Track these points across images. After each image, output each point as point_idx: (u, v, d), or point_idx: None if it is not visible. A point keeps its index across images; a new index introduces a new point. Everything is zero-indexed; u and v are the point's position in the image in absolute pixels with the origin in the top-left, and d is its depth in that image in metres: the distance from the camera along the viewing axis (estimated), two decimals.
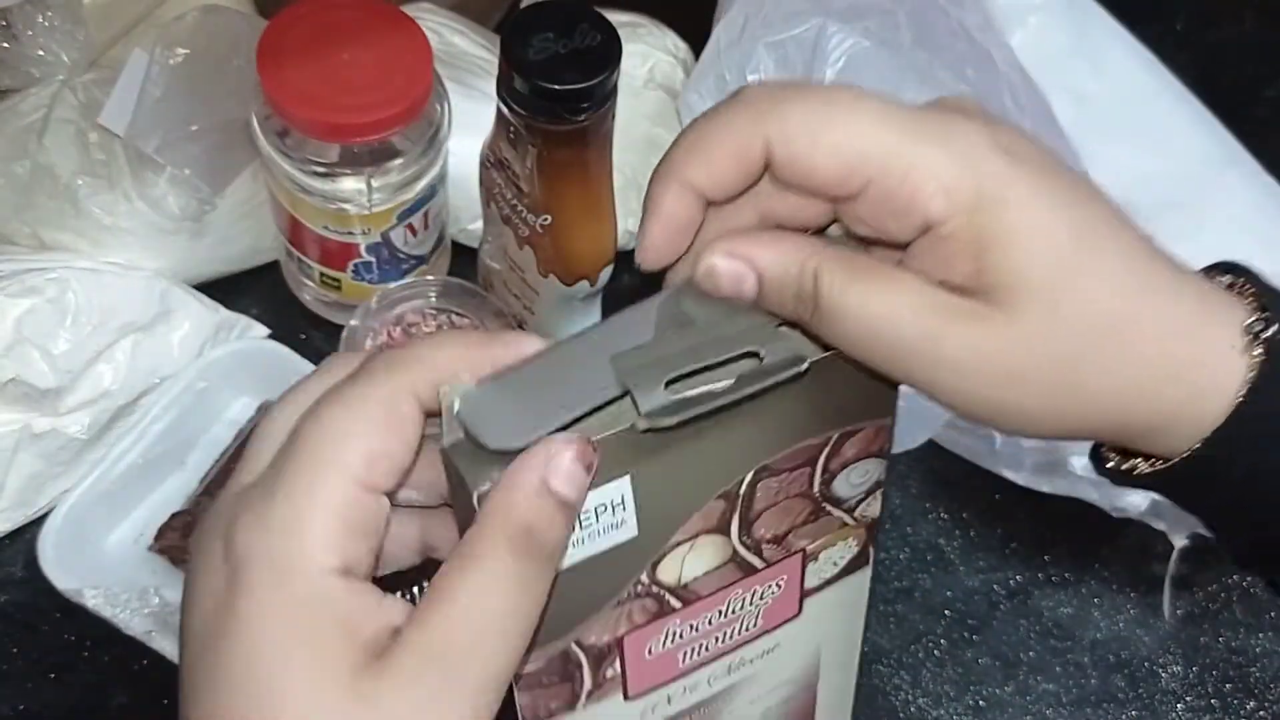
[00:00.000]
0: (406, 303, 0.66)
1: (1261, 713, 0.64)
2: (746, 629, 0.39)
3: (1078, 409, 0.31)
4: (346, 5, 0.58)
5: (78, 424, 0.60)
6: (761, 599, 0.39)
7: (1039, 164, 0.30)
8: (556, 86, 0.51)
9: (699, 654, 0.38)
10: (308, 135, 0.57)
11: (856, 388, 0.34)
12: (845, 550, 0.40)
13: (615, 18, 0.53)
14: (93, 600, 0.57)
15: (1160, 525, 0.63)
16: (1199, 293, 0.31)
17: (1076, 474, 0.61)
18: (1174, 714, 0.63)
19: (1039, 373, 0.30)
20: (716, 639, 0.38)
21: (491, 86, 0.54)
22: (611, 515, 0.32)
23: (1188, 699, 0.64)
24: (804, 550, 0.38)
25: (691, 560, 0.35)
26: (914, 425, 0.64)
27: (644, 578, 0.35)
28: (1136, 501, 0.62)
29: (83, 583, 0.57)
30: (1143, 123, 0.56)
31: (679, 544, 0.34)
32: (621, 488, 0.32)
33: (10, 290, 0.59)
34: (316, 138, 0.57)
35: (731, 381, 0.31)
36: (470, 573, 0.29)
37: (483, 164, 0.60)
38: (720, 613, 0.38)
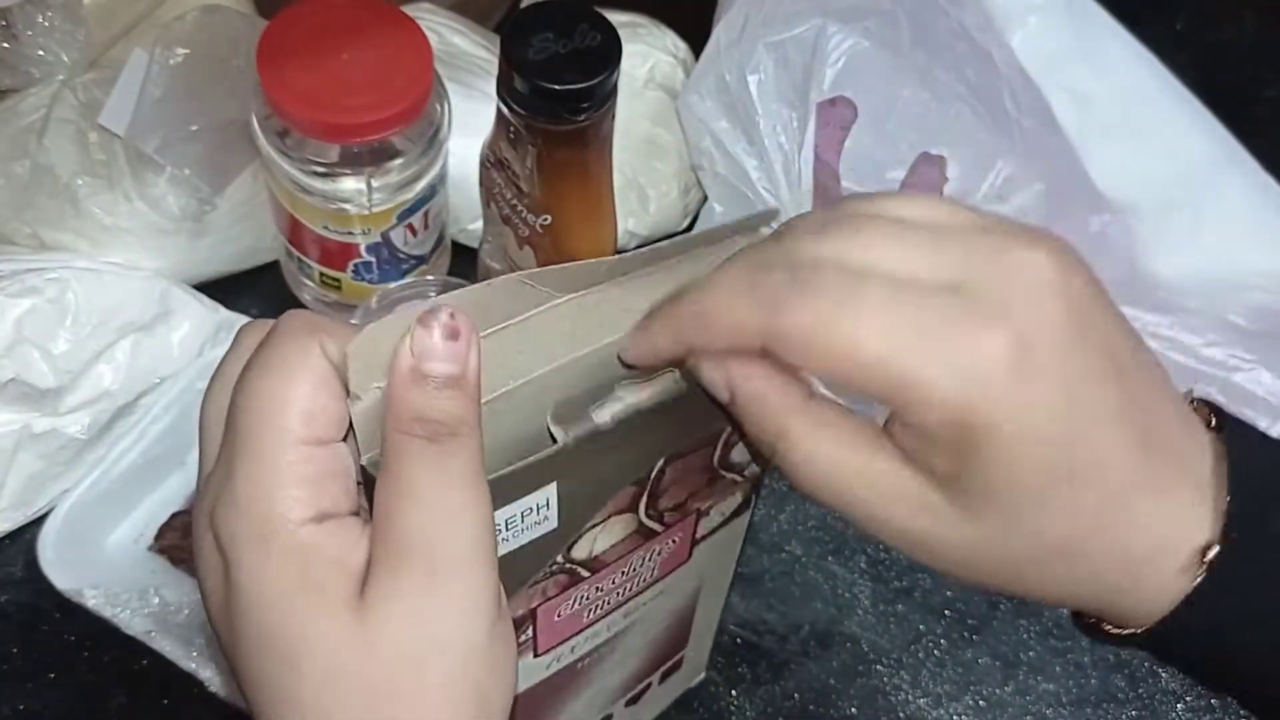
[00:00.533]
0: (407, 303, 0.66)
1: None
2: (644, 580, 0.42)
3: (1031, 592, 0.33)
4: (346, 5, 0.58)
5: (78, 424, 0.60)
6: (659, 554, 0.41)
7: (1056, 374, 0.29)
8: (557, 86, 0.51)
9: (602, 608, 0.41)
10: (308, 135, 0.57)
11: None
12: (732, 502, 0.43)
13: (615, 18, 0.53)
14: (93, 600, 0.57)
15: None
16: (1166, 502, 0.32)
17: None
18: (1174, 714, 0.63)
19: (990, 566, 0.32)
20: (618, 594, 0.41)
21: (491, 87, 0.54)
22: (536, 515, 0.34)
23: (1187, 699, 0.64)
24: (698, 509, 0.41)
25: (602, 537, 0.37)
26: None
27: (559, 558, 0.37)
28: None
29: (83, 583, 0.57)
30: (1143, 123, 0.55)
31: (592, 526, 0.36)
32: (547, 493, 0.33)
33: (10, 290, 0.59)
34: (316, 138, 0.57)
35: (648, 399, 0.34)
36: (389, 481, 0.30)
37: (483, 164, 0.60)
38: (623, 573, 0.40)
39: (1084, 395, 0.30)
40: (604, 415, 0.33)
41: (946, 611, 0.65)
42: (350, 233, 0.61)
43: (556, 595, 0.38)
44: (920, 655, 0.64)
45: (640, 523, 0.38)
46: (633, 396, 0.34)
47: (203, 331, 0.63)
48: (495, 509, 0.31)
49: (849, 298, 0.29)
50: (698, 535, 0.43)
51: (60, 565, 0.58)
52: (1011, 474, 0.30)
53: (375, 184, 0.59)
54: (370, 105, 0.56)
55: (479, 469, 0.30)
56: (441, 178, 0.62)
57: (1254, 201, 0.56)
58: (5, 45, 0.64)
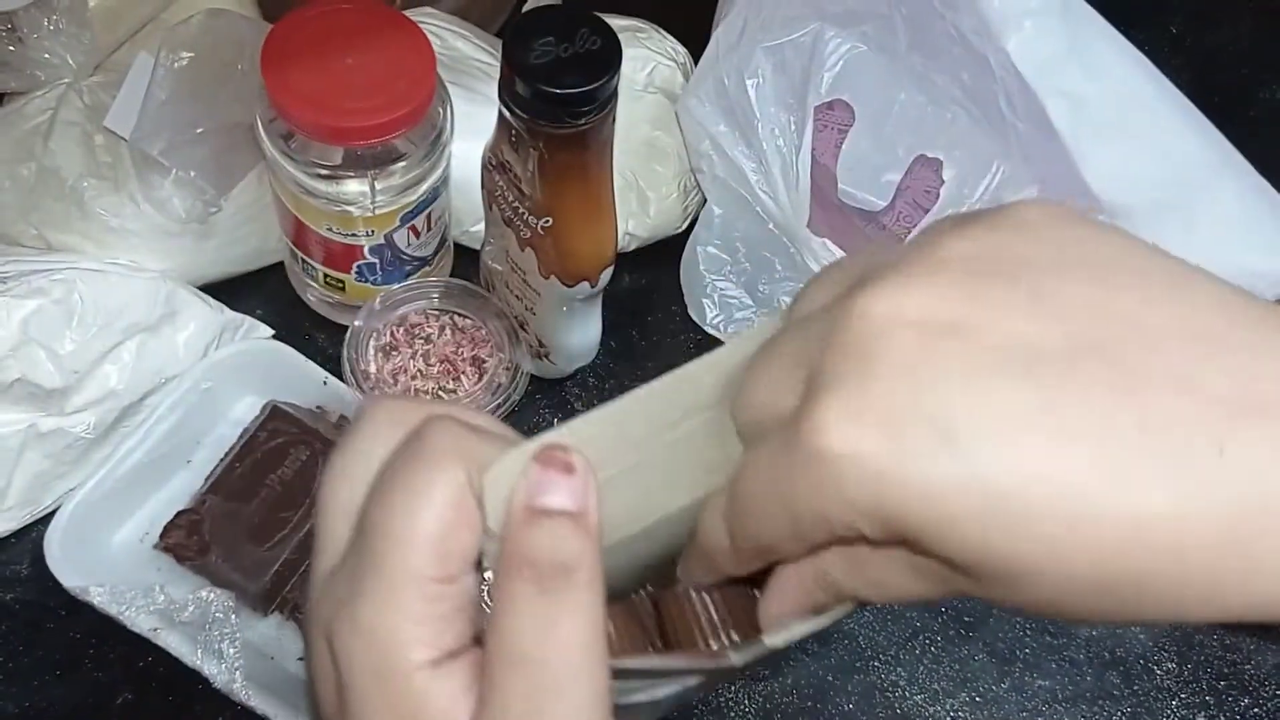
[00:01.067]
0: (410, 304, 0.66)
1: (1256, 710, 0.64)
2: None
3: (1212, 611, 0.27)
4: (350, 10, 0.58)
5: (83, 423, 0.60)
6: None
7: (927, 430, 0.25)
8: (558, 90, 0.51)
9: None
10: (312, 138, 0.57)
11: None
12: None
13: (615, 22, 0.54)
14: (98, 598, 0.57)
15: None
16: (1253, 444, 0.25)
17: None
18: (1168, 711, 0.64)
19: (1049, 612, 0.26)
20: None
21: (493, 90, 0.54)
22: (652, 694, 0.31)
23: (1182, 695, 0.64)
24: None
25: None
26: None
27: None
28: None
29: (88, 580, 0.58)
30: (1138, 126, 0.56)
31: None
32: (679, 684, 0.31)
33: (17, 291, 0.59)
34: (320, 141, 0.57)
35: (826, 621, 0.32)
36: (494, 637, 0.28)
37: (485, 167, 0.60)
38: None
39: (972, 418, 0.24)
40: (779, 640, 0.31)
41: (943, 609, 0.65)
42: (354, 235, 0.62)
43: None
44: (917, 652, 0.64)
45: None
46: (812, 623, 0.31)
47: (208, 332, 0.64)
48: (624, 687, 0.29)
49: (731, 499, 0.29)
50: None
51: (66, 563, 0.58)
52: (962, 545, 0.25)
53: (379, 186, 0.59)
54: (374, 109, 0.56)
55: (593, 627, 0.28)
56: (444, 180, 0.63)
57: (1248, 204, 0.57)
58: (11, 48, 0.64)
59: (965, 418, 0.24)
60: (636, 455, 0.30)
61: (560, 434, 0.29)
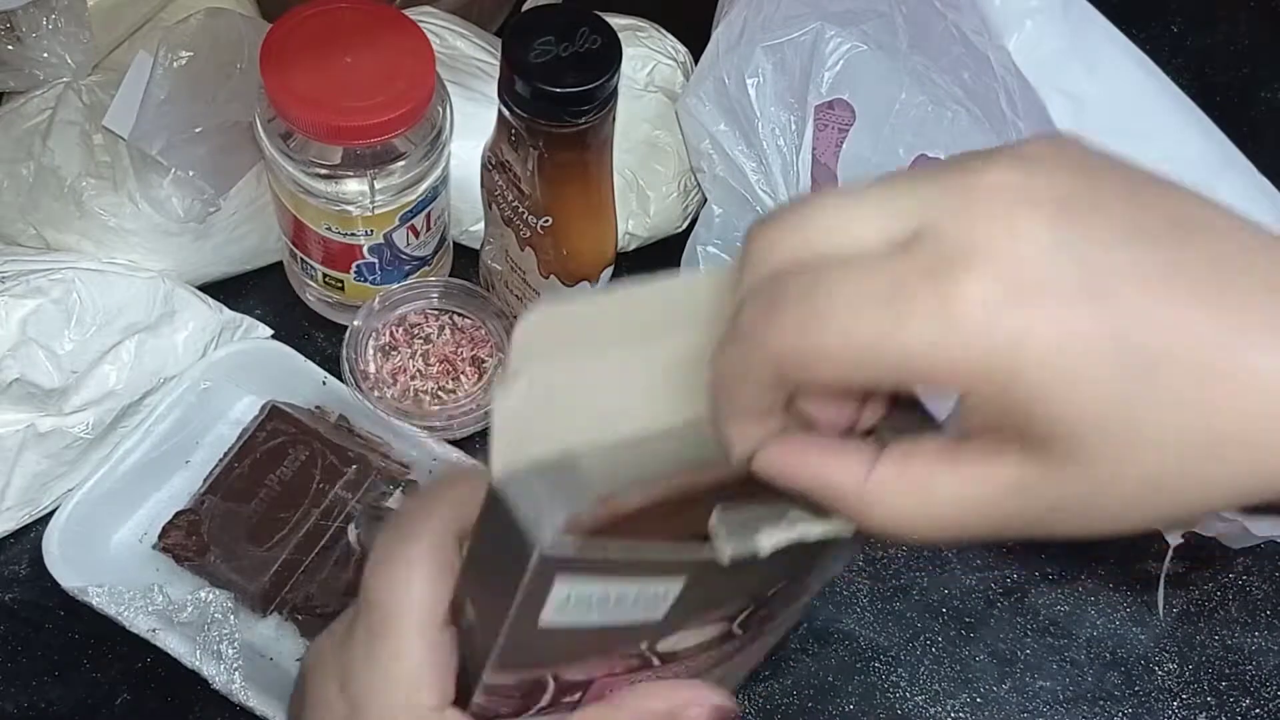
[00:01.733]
0: (409, 304, 0.66)
1: (1257, 710, 0.64)
2: (697, 670, 0.38)
3: (1196, 503, 0.27)
4: (349, 9, 0.58)
5: (82, 423, 0.60)
6: (726, 653, 0.38)
7: (1063, 282, 0.25)
8: (557, 89, 0.51)
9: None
10: (311, 137, 0.57)
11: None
12: (797, 607, 0.40)
13: (615, 21, 0.54)
14: (97, 598, 0.57)
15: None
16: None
17: None
18: (1169, 711, 0.64)
19: (1118, 494, 0.27)
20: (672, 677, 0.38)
21: (493, 89, 0.54)
22: (647, 602, 0.31)
23: (1183, 696, 0.64)
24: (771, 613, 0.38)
25: (690, 636, 0.35)
26: None
27: (644, 646, 0.34)
28: None
29: (87, 581, 0.58)
30: (1138, 126, 0.56)
31: (689, 628, 0.35)
32: (672, 587, 0.31)
33: (15, 291, 0.59)
34: (319, 140, 0.57)
35: (818, 534, 0.30)
36: None
37: (484, 166, 0.60)
38: (686, 666, 0.37)
39: (1108, 279, 0.25)
40: (768, 542, 0.30)
41: (944, 609, 0.65)
42: (353, 234, 0.62)
43: (620, 674, 0.36)
44: (917, 653, 0.64)
45: (730, 630, 0.36)
46: (804, 529, 0.30)
47: (207, 332, 0.64)
48: (617, 578, 0.30)
49: (807, 300, 0.26)
50: (763, 632, 0.39)
51: (65, 563, 0.58)
52: (1081, 406, 0.25)
53: (378, 186, 0.59)
54: (373, 108, 0.56)
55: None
56: (444, 180, 0.63)
57: (1249, 204, 0.56)
58: (10, 47, 0.64)
59: (1109, 274, 0.25)
60: (607, 358, 0.29)
61: (526, 321, 0.28)
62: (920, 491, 0.28)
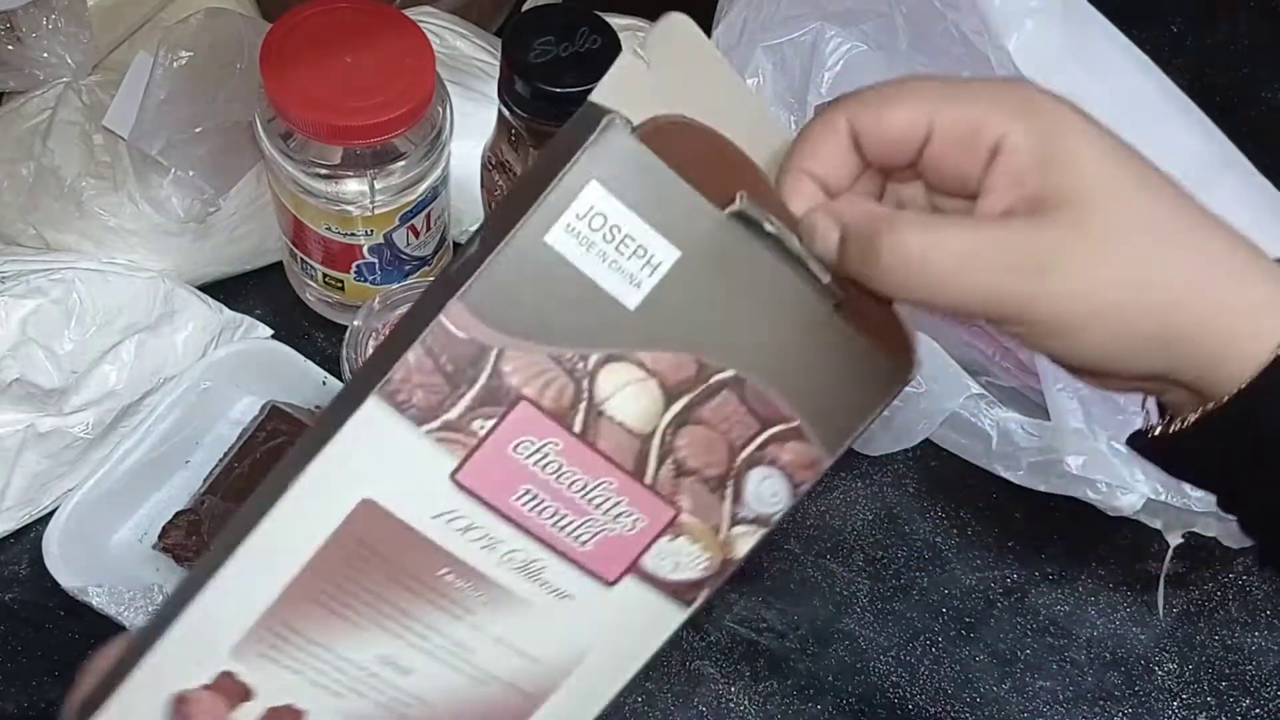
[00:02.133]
0: (409, 304, 0.66)
1: (1257, 710, 0.64)
2: (572, 538, 0.35)
3: (1148, 319, 0.32)
4: (349, 9, 0.58)
5: (82, 423, 0.60)
6: (614, 519, 0.35)
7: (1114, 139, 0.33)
8: (557, 89, 0.51)
9: (533, 507, 0.34)
10: (311, 137, 0.57)
11: (851, 389, 0.35)
12: (692, 561, 0.37)
13: (615, 21, 0.54)
14: (97, 598, 0.57)
15: (1155, 524, 0.64)
16: (1256, 279, 0.33)
17: (1072, 473, 0.61)
18: (1170, 711, 0.64)
19: (1107, 268, 0.32)
20: (551, 514, 0.35)
21: (493, 89, 0.54)
22: (638, 266, 0.32)
23: (1183, 696, 0.64)
24: (675, 513, 0.35)
25: (624, 400, 0.33)
26: (912, 424, 0.65)
27: (586, 362, 0.32)
28: (1132, 500, 0.62)
29: (87, 581, 0.58)
30: (1138, 126, 0.55)
31: (635, 367, 0.33)
32: (667, 253, 0.32)
33: (15, 291, 0.59)
34: (319, 140, 0.57)
35: (798, 249, 0.33)
36: None
37: (484, 166, 0.60)
38: (584, 488, 0.34)
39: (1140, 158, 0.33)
40: (771, 226, 0.32)
41: (944, 610, 0.65)
42: (353, 234, 0.62)
43: (539, 412, 0.33)
44: (918, 653, 0.64)
45: (650, 435, 0.34)
46: (802, 249, 0.33)
47: (207, 332, 0.64)
48: (636, 211, 0.31)
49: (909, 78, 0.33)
50: (641, 559, 0.36)
51: (65, 563, 0.58)
52: (1093, 166, 0.32)
53: (378, 186, 0.59)
54: (373, 108, 0.56)
55: None
56: (444, 180, 0.63)
57: (1249, 203, 0.57)
58: (10, 47, 0.64)
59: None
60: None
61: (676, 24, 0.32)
62: (935, 235, 0.32)
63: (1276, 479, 0.34)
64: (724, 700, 0.62)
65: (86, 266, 0.61)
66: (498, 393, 0.32)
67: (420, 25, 0.59)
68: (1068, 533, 0.67)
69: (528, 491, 0.34)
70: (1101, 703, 0.64)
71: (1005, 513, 0.67)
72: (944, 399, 0.63)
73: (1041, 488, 0.64)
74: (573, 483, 0.34)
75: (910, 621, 0.65)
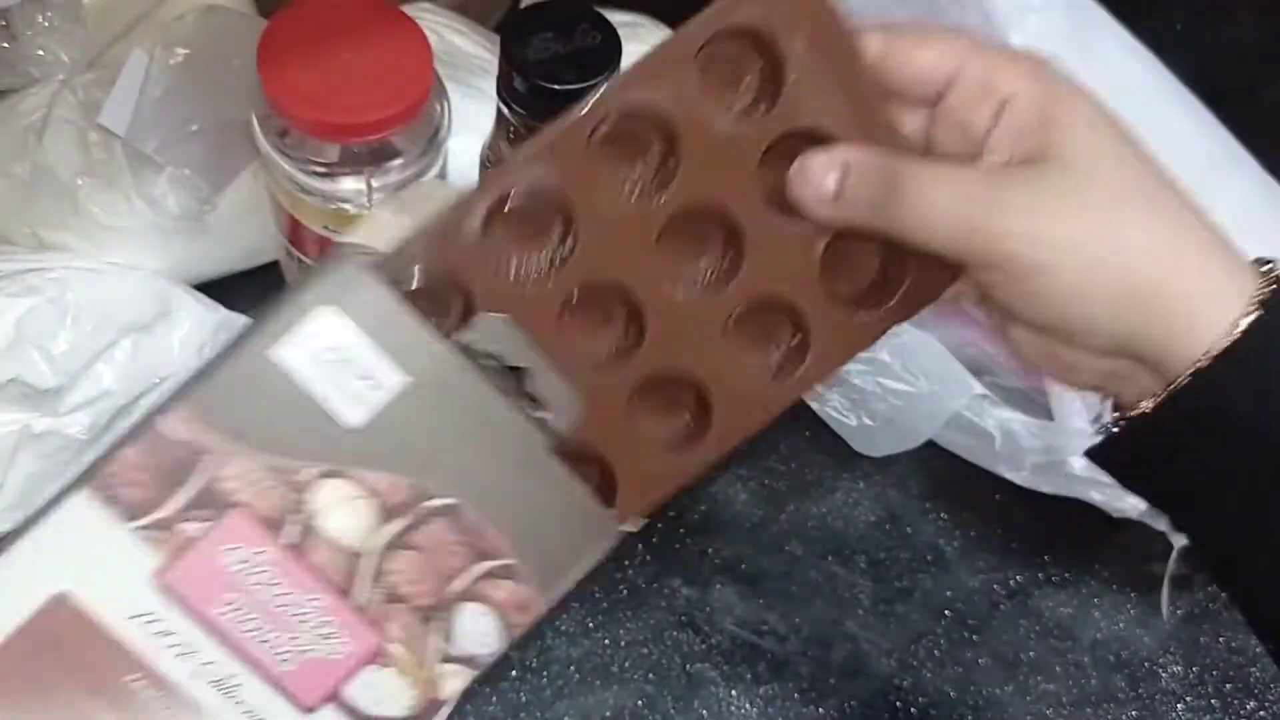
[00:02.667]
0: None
1: (1262, 713, 0.64)
2: (274, 656, 0.34)
3: (1110, 272, 0.35)
4: (346, 5, 0.58)
5: (77, 424, 0.60)
6: (320, 639, 0.34)
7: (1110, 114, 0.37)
8: (556, 86, 0.51)
9: (237, 617, 0.34)
10: (307, 135, 0.57)
11: (564, 533, 0.35)
12: (397, 696, 0.35)
13: (615, 18, 0.53)
14: None
15: (1160, 525, 0.64)
16: (1231, 259, 0.37)
17: (1076, 474, 0.61)
18: (1174, 714, 0.64)
19: (1079, 220, 0.35)
20: (254, 627, 0.34)
21: (491, 86, 0.54)
22: (364, 387, 0.32)
23: (1188, 699, 0.64)
24: (382, 641, 0.34)
25: (339, 517, 0.33)
26: (914, 425, 0.64)
27: (305, 475, 0.32)
28: (1136, 502, 0.62)
29: None
30: (1142, 123, 0.55)
31: (353, 484, 0.33)
32: (394, 377, 0.33)
33: (10, 290, 0.59)
34: (316, 137, 0.57)
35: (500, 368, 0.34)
36: None
37: (483, 164, 0.60)
38: (291, 603, 0.34)
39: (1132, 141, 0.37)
40: (493, 359, 0.35)
41: (946, 612, 0.65)
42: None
43: (255, 520, 0.33)
44: (920, 655, 0.64)
45: (367, 551, 0.34)
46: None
47: (203, 331, 0.63)
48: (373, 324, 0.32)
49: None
50: (342, 690, 0.34)
51: None
52: (1088, 134, 0.36)
53: (375, 184, 0.59)
54: (370, 105, 0.56)
55: None
56: (442, 177, 0.62)
57: (1253, 200, 0.56)
58: (5, 45, 0.64)
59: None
60: None
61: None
62: (947, 176, 0.36)
63: (1235, 461, 0.35)
64: (725, 703, 0.62)
65: (82, 265, 0.61)
66: (212, 497, 0.33)
67: (418, 21, 0.59)
68: (1071, 534, 0.67)
69: (232, 601, 0.33)
70: (1106, 705, 0.63)
71: (1008, 514, 0.67)
72: (947, 399, 0.62)
73: (1045, 489, 0.63)
74: (279, 596, 0.33)
75: (913, 624, 0.65)
